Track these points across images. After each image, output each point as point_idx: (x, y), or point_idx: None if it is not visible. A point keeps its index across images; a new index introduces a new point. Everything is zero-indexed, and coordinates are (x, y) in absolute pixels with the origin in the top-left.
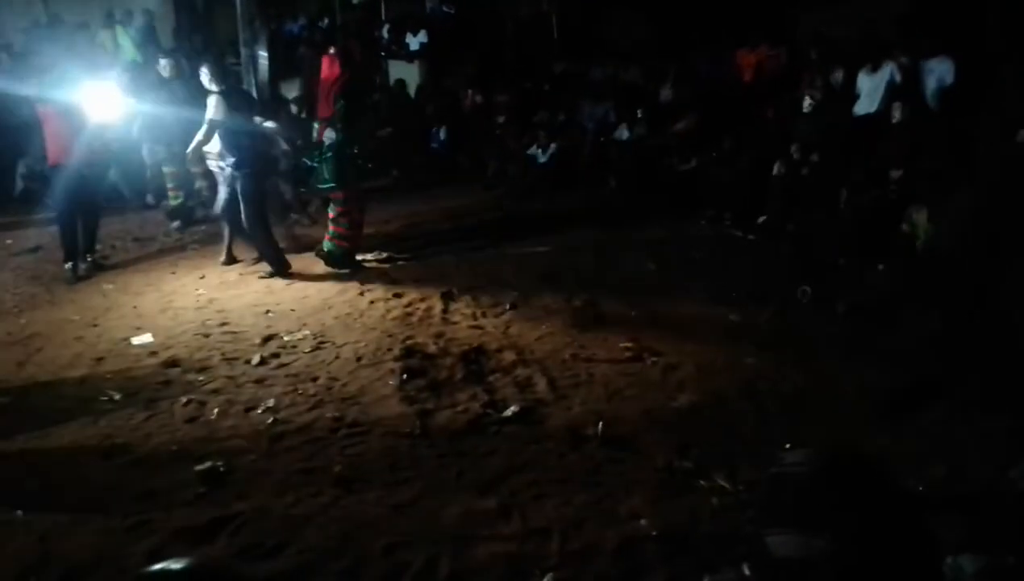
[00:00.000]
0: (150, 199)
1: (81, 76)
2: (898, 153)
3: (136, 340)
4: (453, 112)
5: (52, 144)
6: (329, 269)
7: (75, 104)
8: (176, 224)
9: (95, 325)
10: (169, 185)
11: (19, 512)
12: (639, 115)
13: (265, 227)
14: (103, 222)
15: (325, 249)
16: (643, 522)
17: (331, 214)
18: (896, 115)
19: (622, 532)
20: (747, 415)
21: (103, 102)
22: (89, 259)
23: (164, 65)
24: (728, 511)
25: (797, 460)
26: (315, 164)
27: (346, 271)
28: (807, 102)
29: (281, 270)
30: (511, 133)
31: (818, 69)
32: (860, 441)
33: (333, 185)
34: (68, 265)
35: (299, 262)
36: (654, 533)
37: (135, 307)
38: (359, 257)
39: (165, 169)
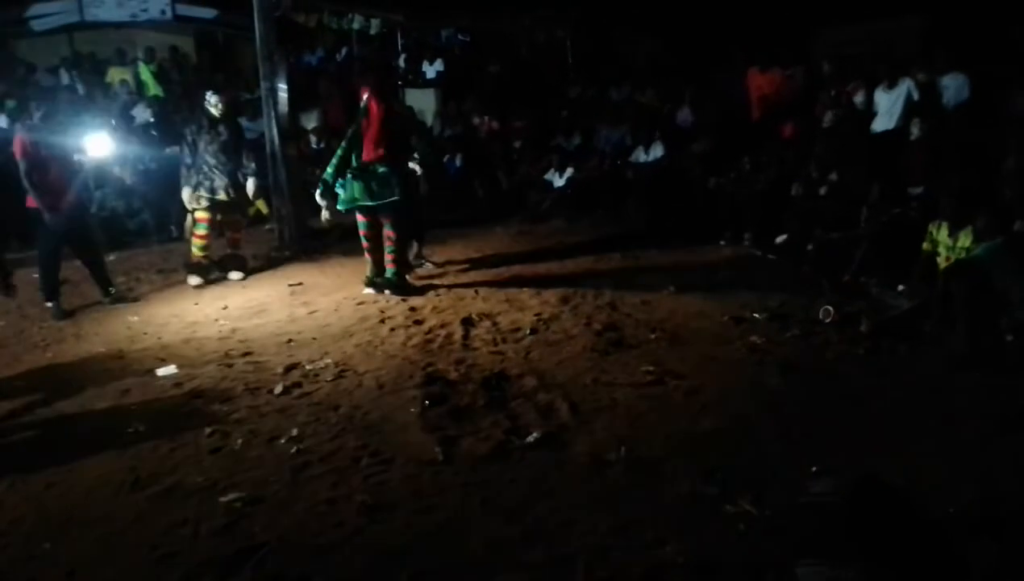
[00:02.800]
0: (174, 231)
1: (75, 121)
2: (918, 170)
3: (161, 371)
4: (468, 139)
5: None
6: (362, 296)
7: (67, 149)
8: (196, 281)
9: (120, 357)
10: (199, 232)
11: (47, 545)
12: (656, 137)
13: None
14: (128, 255)
15: (388, 276)
16: (669, 548)
17: (390, 242)
18: (914, 131)
19: (648, 559)
20: (772, 438)
21: (95, 147)
22: (112, 291)
23: (215, 102)
24: (755, 537)
25: (825, 489)
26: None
27: (384, 295)
28: (828, 116)
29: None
30: (528, 158)
31: (840, 87)
32: (887, 464)
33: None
34: (51, 304)
35: (322, 288)
36: (680, 560)
37: (159, 338)
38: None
39: (198, 214)
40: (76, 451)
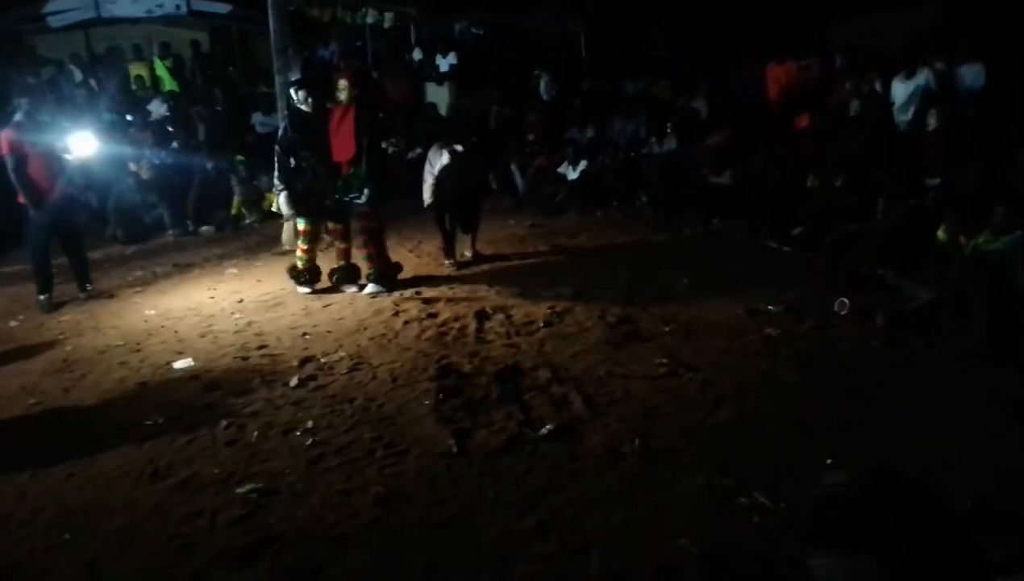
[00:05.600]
0: (190, 225)
1: (64, 120)
2: (934, 161)
3: (177, 364)
4: (480, 131)
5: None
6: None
7: (55, 147)
8: (305, 290)
9: (138, 350)
10: (303, 245)
11: (67, 535)
12: (669, 129)
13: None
14: (149, 248)
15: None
16: (683, 541)
17: (362, 238)
18: (931, 122)
19: (662, 551)
20: (787, 431)
21: (82, 146)
22: (89, 288)
23: (303, 97)
24: (769, 529)
25: (840, 480)
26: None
27: (385, 290)
28: (854, 104)
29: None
30: (541, 151)
31: (863, 76)
32: (903, 457)
33: (368, 202)
34: (43, 296)
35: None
36: (695, 552)
37: (176, 332)
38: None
39: (301, 225)
40: (95, 443)
